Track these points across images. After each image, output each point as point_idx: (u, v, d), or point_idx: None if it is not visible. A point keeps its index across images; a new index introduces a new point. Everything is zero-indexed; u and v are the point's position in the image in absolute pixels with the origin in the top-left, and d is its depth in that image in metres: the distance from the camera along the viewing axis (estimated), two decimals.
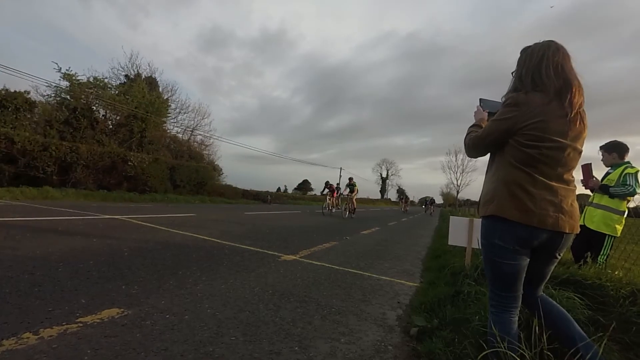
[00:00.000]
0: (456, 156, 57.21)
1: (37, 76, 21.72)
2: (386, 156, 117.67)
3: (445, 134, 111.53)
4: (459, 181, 58.24)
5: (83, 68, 28.38)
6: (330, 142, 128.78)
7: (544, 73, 1.34)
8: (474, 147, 1.52)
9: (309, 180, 66.16)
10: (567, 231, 1.32)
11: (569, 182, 1.36)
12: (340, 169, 47.92)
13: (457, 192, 59.00)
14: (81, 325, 1.79)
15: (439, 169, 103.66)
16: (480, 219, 1.47)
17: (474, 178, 57.15)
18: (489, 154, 1.52)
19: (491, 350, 1.35)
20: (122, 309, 2.04)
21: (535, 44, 1.42)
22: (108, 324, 1.83)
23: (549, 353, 1.32)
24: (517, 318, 1.44)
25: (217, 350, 1.67)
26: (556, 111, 1.30)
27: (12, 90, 13.76)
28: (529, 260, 1.38)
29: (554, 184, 1.32)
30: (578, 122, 1.32)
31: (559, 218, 1.30)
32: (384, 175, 76.29)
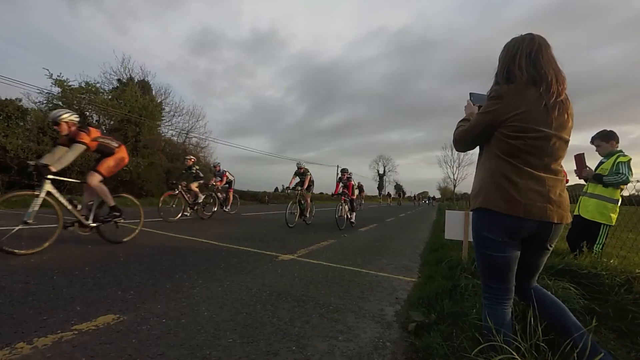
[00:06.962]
0: (452, 150, 57.21)
1: (28, 83, 21.44)
2: (382, 152, 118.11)
3: (440, 128, 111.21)
4: (455, 175, 58.46)
5: (75, 74, 27.93)
6: (325, 140, 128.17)
7: (518, 65, 1.35)
8: (461, 141, 1.53)
9: None
10: (555, 221, 1.31)
11: (557, 172, 1.36)
12: (338, 167, 47.79)
13: (454, 186, 59.22)
14: (76, 332, 1.77)
15: (435, 163, 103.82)
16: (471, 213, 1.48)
17: (470, 172, 57.38)
18: (478, 147, 1.52)
19: (487, 344, 1.35)
20: (117, 315, 2.03)
21: (513, 38, 1.43)
22: (103, 331, 1.82)
23: (543, 345, 1.32)
24: (510, 310, 1.44)
25: (214, 353, 1.66)
26: (537, 101, 1.30)
27: (3, 99, 13.62)
28: (519, 252, 1.38)
29: (541, 174, 1.32)
30: (560, 112, 1.32)
31: (546, 208, 1.29)
32: (381, 171, 76.11)
